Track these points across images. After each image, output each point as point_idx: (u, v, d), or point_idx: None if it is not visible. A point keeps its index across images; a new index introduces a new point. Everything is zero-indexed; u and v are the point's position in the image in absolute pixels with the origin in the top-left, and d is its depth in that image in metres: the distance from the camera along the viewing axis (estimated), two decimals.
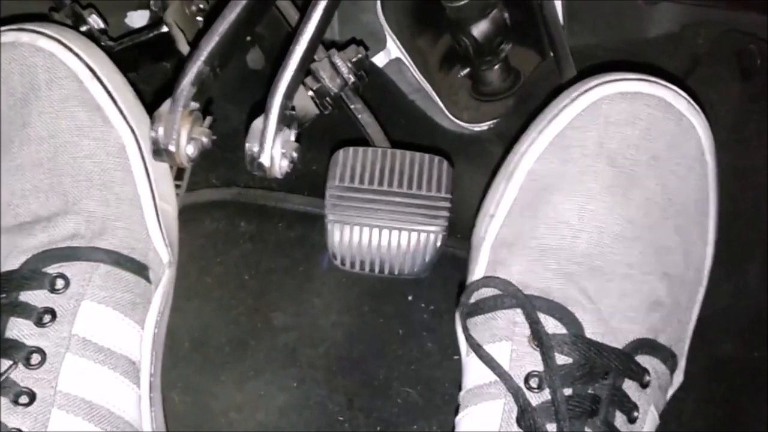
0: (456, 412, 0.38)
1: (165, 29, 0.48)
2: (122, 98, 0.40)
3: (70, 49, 0.39)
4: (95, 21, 0.48)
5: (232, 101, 0.52)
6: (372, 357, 0.46)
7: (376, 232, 0.42)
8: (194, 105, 0.37)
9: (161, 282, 0.41)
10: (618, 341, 0.36)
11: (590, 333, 0.36)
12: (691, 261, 0.39)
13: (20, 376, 0.35)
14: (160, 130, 0.36)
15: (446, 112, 0.53)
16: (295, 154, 0.38)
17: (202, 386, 0.45)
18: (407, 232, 0.42)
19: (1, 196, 0.39)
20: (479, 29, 0.51)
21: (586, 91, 0.38)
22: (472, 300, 0.38)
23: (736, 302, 0.45)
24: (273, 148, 0.37)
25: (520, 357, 0.36)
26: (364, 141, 0.47)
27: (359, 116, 0.47)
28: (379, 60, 0.54)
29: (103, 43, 0.46)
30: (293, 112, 0.39)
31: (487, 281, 0.38)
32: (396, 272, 0.44)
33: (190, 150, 0.37)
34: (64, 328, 0.36)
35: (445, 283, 0.46)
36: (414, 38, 0.54)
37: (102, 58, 0.41)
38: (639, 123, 0.37)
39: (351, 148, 0.44)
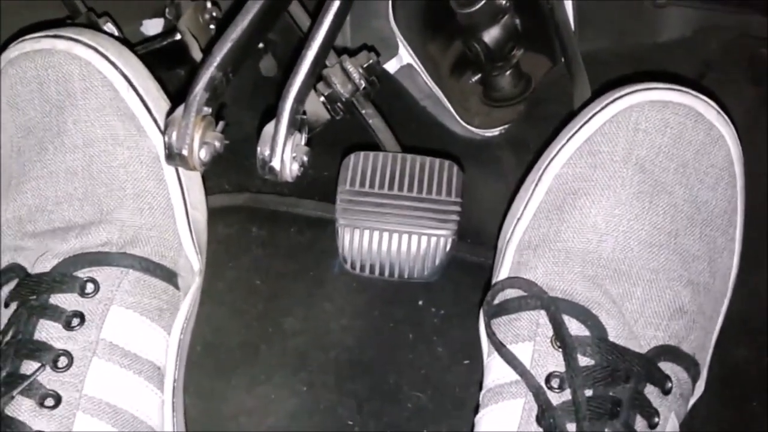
0: (476, 411, 0.38)
1: (179, 37, 0.49)
2: (156, 107, 0.41)
3: (106, 58, 0.40)
4: (110, 29, 0.48)
5: (246, 108, 0.53)
6: (382, 361, 0.46)
7: (387, 236, 0.42)
8: (207, 110, 0.37)
9: (190, 289, 0.42)
10: (641, 346, 0.36)
11: (613, 337, 0.36)
12: (716, 270, 0.39)
13: (47, 378, 0.36)
14: (174, 135, 0.36)
15: (457, 117, 0.53)
16: (305, 158, 0.39)
17: (213, 390, 0.45)
18: (417, 236, 0.42)
19: (35, 201, 0.39)
20: (490, 35, 0.51)
21: (616, 98, 0.38)
22: (497, 301, 0.38)
23: (749, 307, 0.45)
24: (284, 152, 0.37)
25: (541, 357, 0.36)
26: (375, 146, 0.47)
27: (370, 121, 0.47)
28: (391, 66, 0.55)
29: None
30: (304, 117, 0.39)
31: (511, 282, 0.38)
32: (406, 276, 0.44)
33: (203, 154, 0.37)
34: (92, 332, 0.37)
35: (456, 288, 0.46)
36: (425, 44, 0.54)
37: (137, 65, 0.41)
38: (668, 131, 0.38)
39: (362, 153, 0.44)
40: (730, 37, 0.50)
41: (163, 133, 0.37)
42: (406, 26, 0.53)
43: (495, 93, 0.54)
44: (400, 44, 0.53)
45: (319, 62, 0.39)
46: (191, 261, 0.42)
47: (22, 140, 0.40)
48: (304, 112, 0.39)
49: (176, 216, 0.41)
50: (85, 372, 0.36)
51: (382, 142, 0.47)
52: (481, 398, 0.38)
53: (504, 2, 0.50)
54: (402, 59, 0.54)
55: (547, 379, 0.35)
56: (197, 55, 0.48)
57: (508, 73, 0.54)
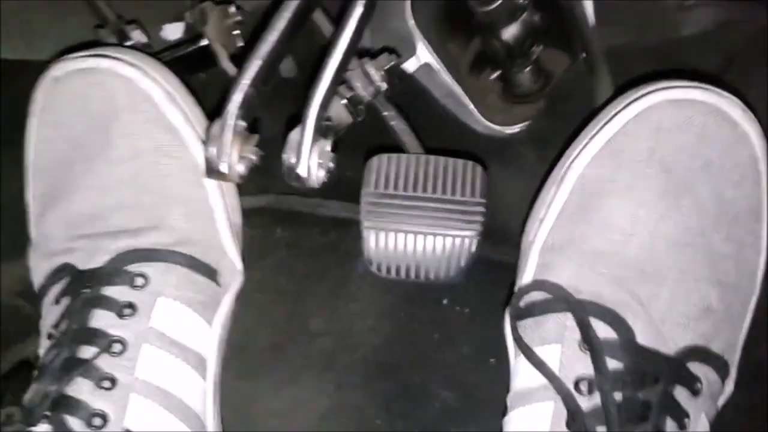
0: (504, 413, 0.39)
1: (205, 43, 0.49)
2: (196, 119, 0.43)
3: (148, 75, 0.41)
4: (139, 36, 0.49)
5: (266, 110, 0.53)
6: (408, 362, 0.46)
7: (411, 238, 0.43)
8: (242, 124, 0.38)
9: (231, 287, 0.44)
10: (669, 348, 0.36)
11: (641, 339, 0.36)
12: (743, 269, 0.39)
13: (103, 362, 0.38)
14: (213, 152, 0.38)
15: (478, 115, 0.53)
16: (331, 164, 0.39)
17: (242, 391, 0.46)
18: (442, 237, 0.43)
19: (88, 210, 0.41)
20: (509, 32, 0.50)
21: (638, 97, 0.38)
22: (522, 303, 0.39)
23: None
24: (310, 159, 0.38)
25: (569, 361, 0.36)
26: (397, 147, 0.47)
27: (392, 123, 0.48)
28: (410, 65, 0.54)
29: None
30: (329, 123, 0.39)
31: (538, 285, 0.38)
32: (431, 277, 0.44)
33: (241, 168, 0.39)
34: (142, 321, 0.39)
35: (480, 288, 0.47)
36: (444, 43, 0.54)
37: (176, 81, 0.43)
38: (692, 129, 0.37)
39: (385, 155, 0.44)
40: (753, 31, 0.49)
41: (204, 148, 0.39)
42: (424, 25, 0.52)
43: (515, 89, 0.54)
44: (418, 43, 0.53)
45: (342, 68, 0.39)
46: (234, 261, 0.44)
47: (69, 153, 0.42)
48: (329, 118, 0.40)
49: (217, 220, 0.43)
50: (137, 357, 0.38)
51: (405, 144, 0.47)
52: (508, 401, 0.39)
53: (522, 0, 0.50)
54: (420, 58, 0.54)
55: (576, 383, 0.35)
56: (225, 63, 0.49)
57: (527, 69, 0.53)
